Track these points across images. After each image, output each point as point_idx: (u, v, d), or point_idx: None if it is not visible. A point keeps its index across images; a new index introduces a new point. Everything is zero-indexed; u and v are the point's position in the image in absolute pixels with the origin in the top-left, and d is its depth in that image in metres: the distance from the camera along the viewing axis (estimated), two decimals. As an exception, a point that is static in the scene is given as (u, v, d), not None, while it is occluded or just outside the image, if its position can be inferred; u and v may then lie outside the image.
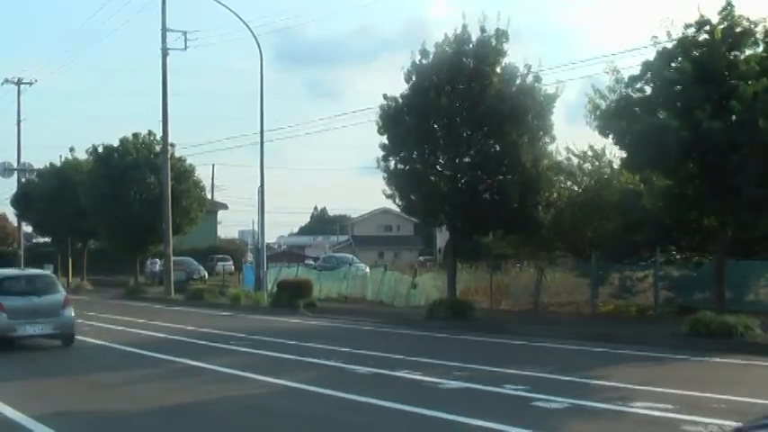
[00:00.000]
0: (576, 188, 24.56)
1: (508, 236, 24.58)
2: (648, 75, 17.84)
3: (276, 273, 33.65)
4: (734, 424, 6.90)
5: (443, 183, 21.98)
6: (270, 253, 63.89)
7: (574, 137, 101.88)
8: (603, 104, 18.49)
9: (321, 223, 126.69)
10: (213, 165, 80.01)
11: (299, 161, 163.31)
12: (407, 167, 22.33)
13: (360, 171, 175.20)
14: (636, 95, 18.09)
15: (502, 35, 21.78)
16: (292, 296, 26.88)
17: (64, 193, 44.34)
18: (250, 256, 58.59)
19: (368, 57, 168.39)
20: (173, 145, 38.11)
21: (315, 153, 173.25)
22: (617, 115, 17.96)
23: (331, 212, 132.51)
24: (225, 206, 68.58)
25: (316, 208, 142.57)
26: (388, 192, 23.09)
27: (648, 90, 17.95)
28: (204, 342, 17.46)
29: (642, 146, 17.31)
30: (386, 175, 22.84)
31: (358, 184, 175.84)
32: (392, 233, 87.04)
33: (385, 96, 22.58)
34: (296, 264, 42.84)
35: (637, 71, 17.99)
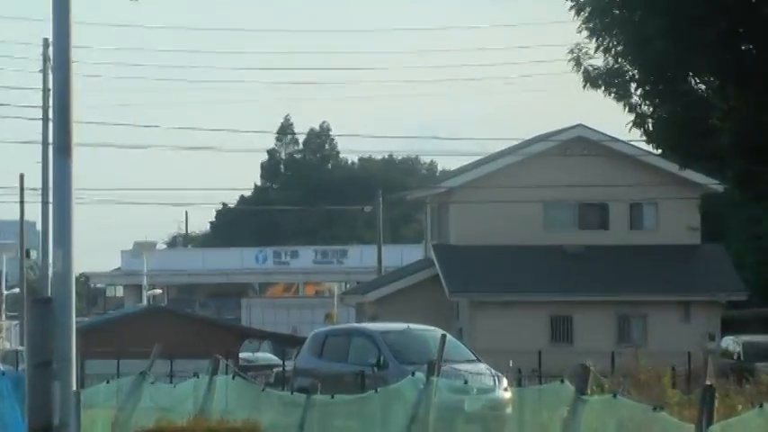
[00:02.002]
0: None
1: None
2: None
3: (120, 389, 22.45)
4: None
5: None
6: (92, 321, 36.75)
7: None
8: None
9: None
10: None
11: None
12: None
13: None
14: None
15: None
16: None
17: None
18: (10, 327, 35.34)
19: None
20: None
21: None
22: None
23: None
24: None
25: (288, 120, 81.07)
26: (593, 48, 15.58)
27: None
28: None
29: None
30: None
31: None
32: (594, 238, 48.01)
33: None
34: (205, 363, 23.13)
35: None
